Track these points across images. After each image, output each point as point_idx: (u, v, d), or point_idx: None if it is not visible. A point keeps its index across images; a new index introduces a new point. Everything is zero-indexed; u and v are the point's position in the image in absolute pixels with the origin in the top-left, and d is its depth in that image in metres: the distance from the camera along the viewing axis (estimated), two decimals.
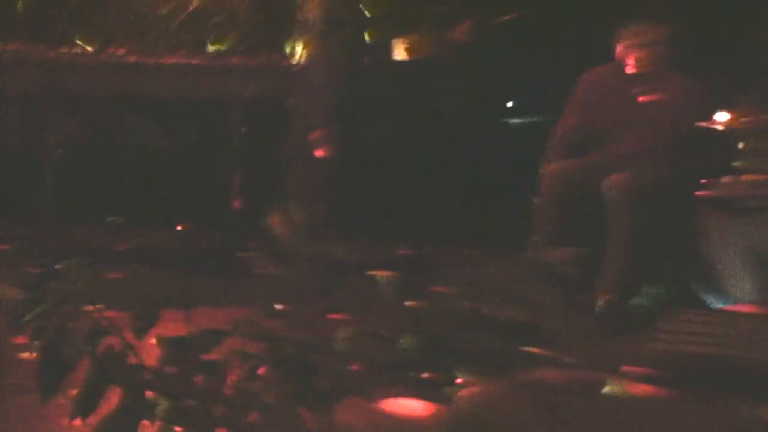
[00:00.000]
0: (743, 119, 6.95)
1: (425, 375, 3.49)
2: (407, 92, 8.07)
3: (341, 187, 7.68)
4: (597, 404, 3.10)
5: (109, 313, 3.30)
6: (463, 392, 2.84)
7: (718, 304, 5.01)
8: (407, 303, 3.89)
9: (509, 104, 9.50)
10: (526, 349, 3.58)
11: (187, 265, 5.85)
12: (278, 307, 3.52)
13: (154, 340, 3.23)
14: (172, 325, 3.39)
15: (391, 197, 7.53)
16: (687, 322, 3.76)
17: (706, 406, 3.31)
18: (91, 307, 3.20)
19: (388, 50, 8.10)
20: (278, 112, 7.63)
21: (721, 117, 7.05)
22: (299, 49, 7.59)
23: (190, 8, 7.69)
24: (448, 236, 6.96)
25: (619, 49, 6.67)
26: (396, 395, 3.37)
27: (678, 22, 7.38)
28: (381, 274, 4.85)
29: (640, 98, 6.66)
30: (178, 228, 6.33)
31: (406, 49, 7.71)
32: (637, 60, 6.61)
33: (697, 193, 5.63)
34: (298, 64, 7.62)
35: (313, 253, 3.63)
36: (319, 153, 7.58)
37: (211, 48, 7.58)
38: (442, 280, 4.64)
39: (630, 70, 6.65)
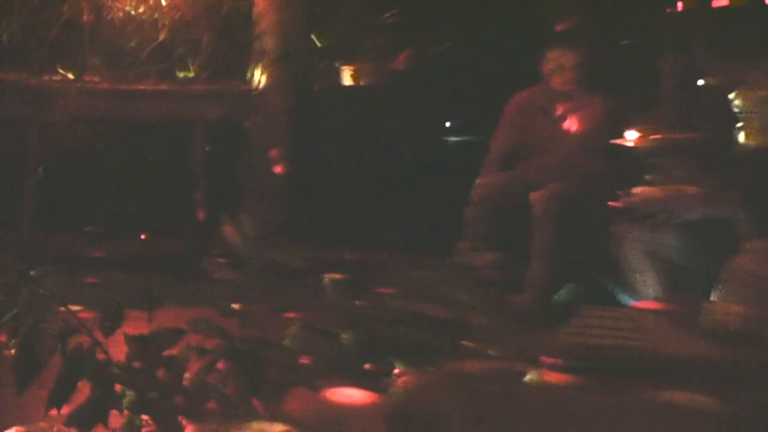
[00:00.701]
0: (651, 137, 7.00)
1: (366, 367, 3.51)
2: (354, 113, 8.07)
3: (295, 199, 7.68)
4: (517, 391, 3.11)
5: (86, 314, 3.30)
6: (398, 382, 2.85)
7: (627, 302, 5.04)
8: (351, 302, 3.89)
9: (448, 124, 9.54)
10: (454, 342, 3.60)
11: (154, 270, 5.86)
12: (234, 307, 3.52)
13: (121, 338, 3.23)
14: (138, 324, 3.38)
15: (341, 209, 7.52)
16: (598, 318, 3.78)
17: (613, 392, 3.33)
18: (63, 309, 3.19)
19: (337, 76, 8.12)
20: (237, 132, 7.62)
21: (632, 135, 7.11)
22: (257, 75, 7.58)
23: (158, 41, 7.67)
24: (391, 243, 6.97)
25: (544, 72, 6.72)
26: (339, 385, 3.38)
27: (594, 48, 7.44)
28: (329, 277, 4.87)
29: (561, 117, 6.71)
30: (142, 237, 6.32)
31: (352, 76, 7.72)
32: (558, 82, 6.65)
33: (611, 202, 5.66)
34: (255, 88, 7.60)
35: (265, 259, 3.62)
36: (274, 168, 7.58)
37: (179, 75, 7.58)
38: (384, 282, 4.64)
39: (552, 91, 6.70)
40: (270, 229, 7.40)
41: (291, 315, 3.95)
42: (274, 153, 7.62)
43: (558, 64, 6.65)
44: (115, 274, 5.84)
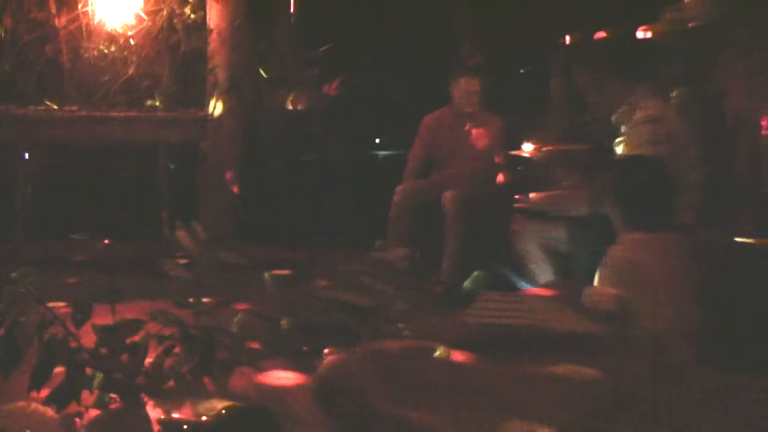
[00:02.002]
0: (544, 149, 7.03)
1: (300, 348, 3.48)
2: (295, 133, 8.06)
3: (244, 207, 7.65)
4: (428, 366, 3.10)
5: (65, 310, 3.26)
6: (324, 361, 2.83)
7: (523, 287, 5.05)
8: (290, 293, 3.86)
9: (377, 140, 9.55)
10: (375, 325, 3.58)
11: (124, 270, 5.79)
12: (189, 300, 3.48)
13: (90, 329, 3.19)
14: (106, 316, 3.34)
15: (284, 214, 7.50)
16: (497, 301, 3.77)
17: (509, 365, 3.33)
18: (39, 305, 3.16)
19: (280, 102, 8.10)
20: (195, 152, 7.59)
21: (528, 147, 7.13)
22: (212, 104, 7.55)
23: (127, 75, 7.62)
24: (327, 242, 6.96)
25: (452, 96, 6.76)
26: (278, 365, 3.35)
27: (494, 75, 7.48)
28: (274, 273, 4.83)
29: (466, 133, 6.75)
30: (105, 242, 6.26)
31: (292, 101, 7.71)
32: (463, 104, 6.69)
33: (512, 204, 5.68)
34: (211, 115, 7.57)
35: (215, 259, 3.58)
36: (227, 182, 7.55)
37: (147, 103, 7.54)
38: (319, 276, 4.61)
39: (458, 112, 6.74)
40: (222, 233, 7.40)
41: (239, 306, 3.90)
42: (226, 169, 7.60)
43: (463, 89, 6.68)
44: (91, 274, 5.76)
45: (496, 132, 6.77)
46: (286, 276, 4.94)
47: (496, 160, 6.72)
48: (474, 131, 6.76)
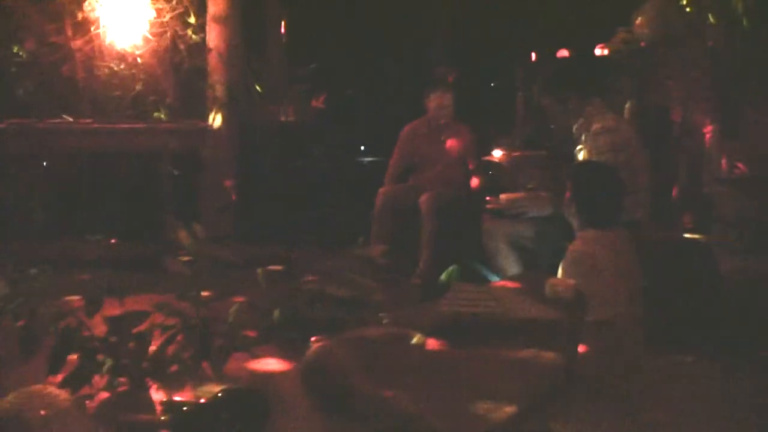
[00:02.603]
0: (512, 155, 7.07)
1: (290, 336, 3.48)
2: (287, 142, 8.06)
3: (241, 209, 7.65)
4: (405, 351, 3.11)
5: (78, 303, 3.26)
6: (311, 348, 2.83)
7: (493, 280, 5.06)
8: (281, 288, 3.85)
9: (362, 147, 9.57)
10: (357, 315, 3.58)
11: (132, 267, 5.81)
12: (189, 294, 3.47)
13: (101, 320, 3.19)
14: (115, 308, 3.34)
15: (280, 215, 7.49)
16: (468, 292, 3.77)
17: (477, 349, 3.33)
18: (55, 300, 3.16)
19: (273, 114, 8.11)
20: (196, 159, 7.59)
21: (498, 153, 7.17)
22: (212, 115, 7.55)
23: (135, 91, 7.62)
24: (319, 241, 6.95)
25: (427, 108, 6.77)
26: (269, 352, 3.35)
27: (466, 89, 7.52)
28: (266, 269, 4.81)
29: (440, 141, 6.77)
30: (112, 241, 6.27)
31: (283, 113, 7.72)
32: (436, 115, 6.71)
33: (483, 204, 5.69)
34: (211, 125, 7.57)
35: (213, 256, 3.58)
36: (225, 186, 7.55)
37: (155, 115, 7.54)
38: (308, 272, 4.59)
39: (433, 122, 6.75)
40: (221, 233, 7.40)
41: (236, 299, 3.89)
42: (224, 174, 7.60)
43: (437, 102, 6.70)
44: (102, 271, 5.77)
45: (467, 140, 6.80)
46: (278, 271, 4.92)
47: (464, 165, 6.75)
48: (447, 140, 6.78)
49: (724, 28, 5.23)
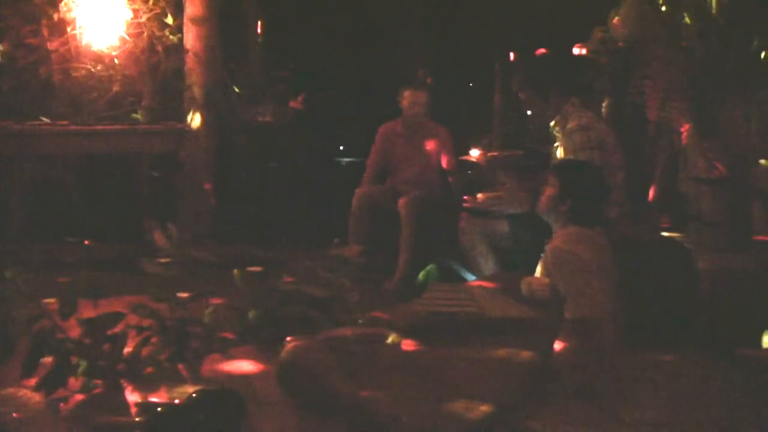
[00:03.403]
0: (489, 154, 7.08)
1: (266, 337, 3.48)
2: (265, 143, 8.04)
3: (220, 210, 7.64)
4: (380, 351, 3.11)
5: (54, 306, 3.25)
6: (286, 348, 2.83)
7: (470, 279, 5.06)
8: (258, 288, 3.85)
9: (341, 148, 9.57)
10: (333, 314, 3.58)
11: (109, 268, 5.79)
12: (165, 294, 3.47)
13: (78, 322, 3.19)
14: (91, 310, 3.33)
15: (258, 216, 7.48)
16: (444, 292, 3.79)
17: (453, 348, 3.34)
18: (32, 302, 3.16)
19: (252, 115, 8.10)
20: (174, 161, 7.57)
21: (475, 153, 7.18)
22: (189, 117, 7.53)
23: (112, 92, 7.58)
24: (297, 241, 6.94)
25: (402, 108, 6.78)
26: (245, 353, 3.35)
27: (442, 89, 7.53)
28: (243, 269, 4.79)
29: (415, 141, 6.78)
30: (86, 243, 6.25)
31: (260, 114, 7.70)
32: (410, 115, 6.72)
33: (460, 204, 5.69)
34: (188, 127, 7.54)
35: (191, 257, 3.58)
36: (203, 187, 7.53)
37: (132, 117, 7.50)
38: (287, 272, 4.58)
39: (408, 122, 6.76)
40: (199, 234, 7.39)
41: (214, 300, 3.88)
42: (202, 175, 7.58)
43: (410, 101, 6.70)
44: (79, 273, 5.73)
45: (443, 140, 6.80)
46: (255, 272, 4.92)
47: (444, 165, 6.75)
48: (423, 139, 6.79)
49: (700, 28, 5.24)
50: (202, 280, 3.77)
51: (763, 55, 5.20)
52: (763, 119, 5.26)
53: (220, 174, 7.73)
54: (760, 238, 5.00)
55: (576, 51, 7.13)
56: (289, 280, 3.80)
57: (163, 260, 3.68)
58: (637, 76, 5.96)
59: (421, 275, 5.06)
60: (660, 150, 6.28)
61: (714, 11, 5.25)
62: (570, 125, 5.07)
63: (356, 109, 8.51)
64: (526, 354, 3.36)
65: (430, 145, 6.77)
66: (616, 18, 6.55)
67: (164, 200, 7.52)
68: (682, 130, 5.36)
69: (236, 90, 7.97)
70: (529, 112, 5.59)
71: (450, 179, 6.75)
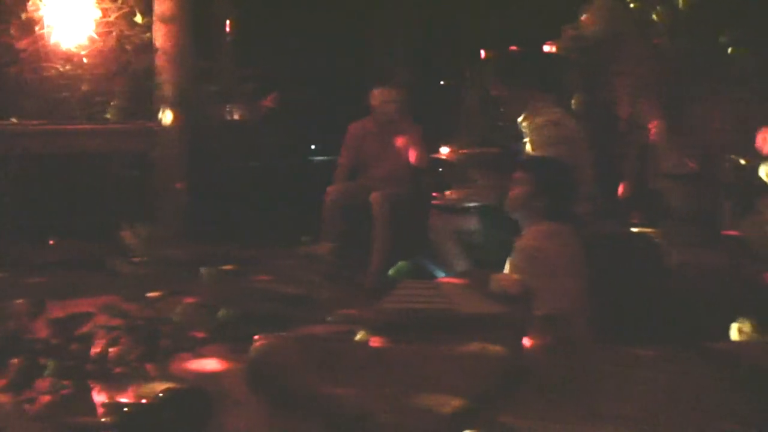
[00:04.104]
0: (460, 151, 7.07)
1: (236, 335, 3.46)
2: (237, 141, 8.00)
3: (192, 209, 7.60)
4: (349, 348, 3.10)
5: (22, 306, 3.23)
6: (256, 344, 2.81)
7: (439, 276, 5.06)
8: (230, 286, 3.83)
9: (312, 147, 9.54)
10: (303, 312, 3.57)
11: (81, 268, 5.74)
12: (135, 294, 3.45)
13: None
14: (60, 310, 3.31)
15: (232, 215, 7.44)
16: (413, 288, 3.77)
17: (422, 344, 3.34)
18: None
19: (222, 114, 8.07)
20: (146, 159, 7.53)
21: (445, 150, 7.17)
22: (161, 114, 7.49)
23: (81, 92, 7.53)
24: (270, 240, 6.92)
25: (372, 106, 6.77)
26: (215, 351, 3.33)
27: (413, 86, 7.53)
28: (213, 268, 4.77)
29: (386, 139, 6.79)
30: (50, 243, 6.20)
31: (231, 113, 7.66)
32: (379, 112, 6.72)
33: (430, 201, 5.70)
34: (160, 126, 7.50)
35: (163, 256, 3.56)
36: (175, 186, 7.49)
37: (103, 116, 7.45)
38: (259, 270, 4.58)
39: (379, 120, 6.76)
40: (172, 233, 7.34)
41: (187, 299, 3.86)
42: (174, 174, 7.54)
43: (380, 99, 6.70)
44: (51, 273, 5.67)
45: (413, 137, 6.80)
46: (226, 270, 4.90)
47: (414, 162, 6.76)
48: (394, 137, 6.80)
49: (669, 24, 5.26)
50: (174, 279, 3.74)
51: (730, 50, 5.22)
52: (731, 115, 5.29)
53: (192, 173, 7.69)
54: (729, 233, 5.01)
55: (546, 48, 7.16)
56: (261, 278, 3.78)
57: (133, 260, 3.65)
58: (606, 73, 5.98)
59: (391, 272, 5.07)
60: (630, 146, 6.31)
61: (681, 6, 5.27)
62: (539, 120, 5.08)
63: (329, 107, 8.48)
64: (496, 348, 3.36)
65: (400, 143, 6.78)
66: (586, 15, 6.57)
67: (136, 200, 7.48)
68: (651, 126, 5.38)
69: (207, 89, 7.92)
70: (501, 109, 5.58)
71: (420, 176, 6.75)
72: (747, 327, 4.21)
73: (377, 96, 6.73)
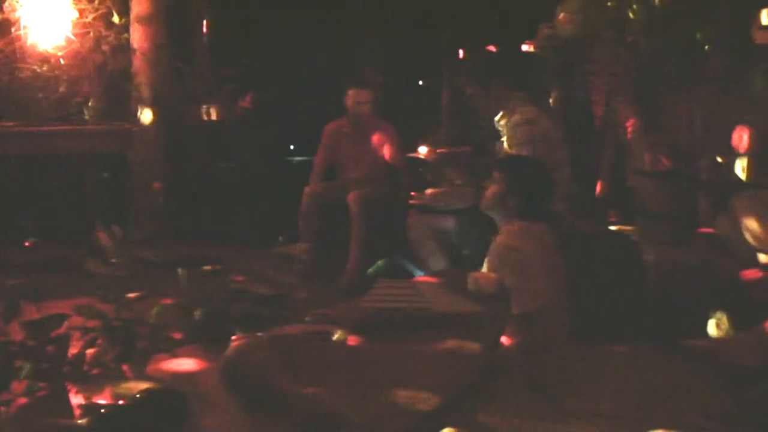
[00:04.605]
0: (437, 151, 7.09)
1: (213, 336, 3.46)
2: (214, 142, 7.98)
3: (171, 210, 7.59)
4: (326, 348, 3.10)
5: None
6: (231, 345, 2.82)
7: (417, 275, 5.06)
8: (206, 286, 3.83)
9: (291, 147, 9.53)
10: (280, 312, 3.58)
11: (58, 270, 5.72)
12: (110, 295, 3.44)
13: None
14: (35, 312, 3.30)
15: (209, 216, 7.42)
16: (390, 288, 3.78)
17: (399, 343, 3.35)
18: None
19: (199, 114, 8.05)
20: (123, 161, 7.52)
21: (423, 150, 7.19)
22: (140, 113, 7.48)
23: (58, 93, 7.50)
24: (248, 240, 6.92)
25: (346, 106, 6.78)
26: (191, 352, 3.33)
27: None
28: (190, 269, 4.76)
29: (361, 138, 6.80)
30: (26, 244, 6.17)
31: (209, 114, 7.64)
32: (353, 112, 6.73)
33: (408, 201, 5.70)
34: (137, 127, 7.49)
35: (139, 257, 3.55)
36: (152, 187, 7.48)
37: (81, 117, 7.42)
38: (236, 271, 4.58)
39: (353, 120, 6.76)
40: (149, 235, 7.33)
41: (165, 301, 3.86)
42: (151, 176, 7.53)
43: (353, 99, 6.71)
44: (26, 276, 5.66)
45: (388, 136, 6.81)
46: (204, 271, 4.90)
47: (389, 161, 6.76)
48: (369, 136, 6.81)
49: (643, 24, 5.29)
50: (150, 280, 3.74)
51: (707, 48, 5.25)
52: (706, 113, 5.32)
53: (169, 174, 7.67)
54: (705, 230, 5.04)
55: (525, 48, 7.18)
56: (238, 278, 3.78)
57: (109, 261, 3.64)
58: (582, 72, 6.00)
59: (370, 271, 5.08)
60: (606, 144, 6.34)
61: (658, 3, 5.30)
62: (514, 118, 5.09)
63: (307, 107, 8.47)
64: (473, 346, 3.38)
65: (376, 142, 6.78)
66: (562, 14, 6.60)
67: (113, 201, 7.46)
68: (627, 124, 5.40)
69: (184, 89, 7.90)
70: (475, 108, 5.58)
71: (397, 175, 6.75)
72: (724, 321, 4.25)
73: (351, 97, 6.73)
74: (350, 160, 6.84)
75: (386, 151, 6.75)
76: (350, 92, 6.71)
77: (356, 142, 6.81)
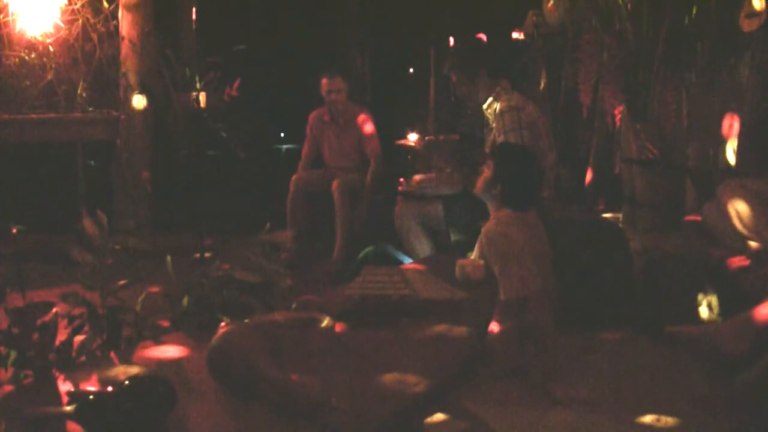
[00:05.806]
0: (426, 138, 7.10)
1: (199, 323, 3.46)
2: (202, 129, 7.96)
3: (159, 198, 7.58)
4: (312, 335, 3.10)
5: None
6: (218, 332, 2.81)
7: (404, 262, 5.07)
8: (193, 275, 3.81)
9: (282, 134, 9.52)
10: (266, 300, 3.57)
11: (45, 259, 5.70)
12: (96, 283, 3.43)
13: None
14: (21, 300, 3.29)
15: (198, 203, 7.40)
16: (377, 275, 3.78)
17: (386, 329, 3.36)
18: None
19: (187, 102, 8.02)
20: (111, 149, 7.49)
21: (413, 137, 7.20)
22: (135, 102, 7.46)
23: (45, 81, 7.46)
24: (236, 228, 6.89)
25: (322, 94, 6.80)
26: (177, 340, 3.33)
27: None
28: (177, 257, 4.74)
29: (339, 125, 6.81)
30: (12, 232, 6.11)
31: (196, 101, 7.61)
32: (330, 102, 6.74)
33: (395, 187, 5.70)
34: (124, 114, 7.47)
35: (123, 246, 3.53)
36: (140, 175, 7.47)
37: (68, 105, 7.38)
38: (223, 258, 4.55)
39: (332, 108, 6.78)
40: (137, 222, 7.33)
41: (152, 289, 3.84)
42: (139, 164, 7.52)
43: (326, 88, 6.72)
44: (12, 264, 5.62)
45: (363, 122, 6.81)
46: (191, 259, 4.88)
47: (367, 149, 6.77)
48: (345, 123, 6.82)
49: (630, 11, 5.27)
50: (137, 268, 3.73)
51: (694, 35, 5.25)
52: (693, 101, 5.32)
53: (156, 162, 7.66)
54: (692, 218, 5.05)
55: (515, 35, 7.19)
56: (224, 266, 3.76)
57: (95, 249, 3.62)
58: (570, 60, 6.01)
59: (361, 255, 5.10)
60: (594, 132, 6.35)
61: None
62: (501, 106, 5.11)
63: (296, 95, 8.46)
64: (459, 330, 3.38)
65: (355, 128, 6.81)
66: (550, 2, 6.60)
67: (100, 188, 7.44)
68: (615, 112, 5.40)
69: (172, 76, 7.87)
70: (459, 96, 5.58)
71: (375, 160, 6.74)
72: (711, 307, 4.27)
73: (324, 86, 6.75)
74: (332, 148, 6.87)
75: (363, 138, 6.76)
76: (323, 81, 6.72)
77: (336, 130, 6.84)
